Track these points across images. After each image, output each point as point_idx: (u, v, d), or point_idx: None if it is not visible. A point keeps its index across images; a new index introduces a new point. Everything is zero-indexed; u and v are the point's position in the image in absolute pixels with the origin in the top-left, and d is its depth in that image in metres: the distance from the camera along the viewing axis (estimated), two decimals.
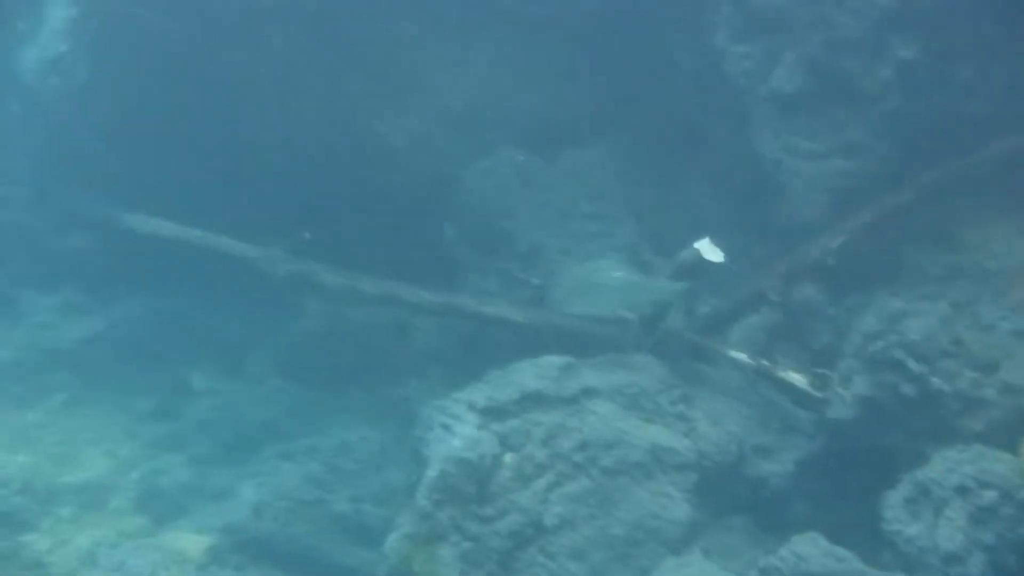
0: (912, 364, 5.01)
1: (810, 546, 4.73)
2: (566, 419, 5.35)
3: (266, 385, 7.34)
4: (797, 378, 5.54)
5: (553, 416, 5.36)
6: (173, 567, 5.62)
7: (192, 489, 6.63)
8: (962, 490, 4.61)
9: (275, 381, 7.35)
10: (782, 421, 5.59)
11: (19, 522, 6.27)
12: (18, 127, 7.57)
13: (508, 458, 5.22)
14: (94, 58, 7.12)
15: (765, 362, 5.65)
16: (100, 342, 7.48)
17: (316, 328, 7.47)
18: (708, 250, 5.47)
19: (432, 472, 5.17)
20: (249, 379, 7.44)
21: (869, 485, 5.03)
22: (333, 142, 7.33)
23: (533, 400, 5.42)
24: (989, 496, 4.57)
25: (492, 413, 5.37)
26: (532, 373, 5.55)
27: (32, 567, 5.92)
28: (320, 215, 6.95)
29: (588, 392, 5.48)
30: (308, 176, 7.27)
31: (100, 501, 6.56)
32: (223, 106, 7.30)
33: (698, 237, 5.65)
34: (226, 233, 7.02)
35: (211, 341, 7.55)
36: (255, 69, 7.31)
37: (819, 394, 5.43)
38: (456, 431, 5.31)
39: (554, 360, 5.63)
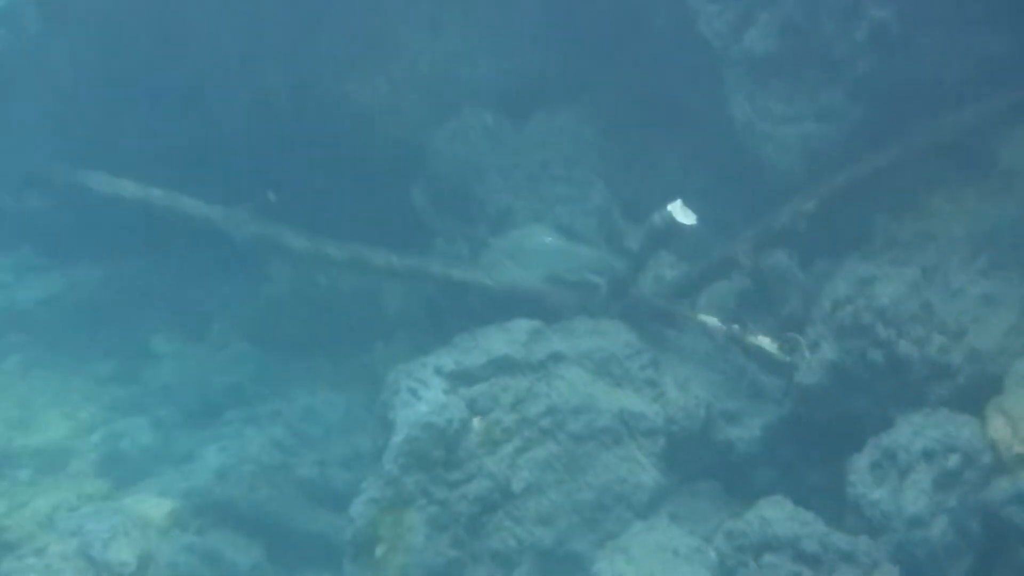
0: (880, 329, 5.01)
1: (776, 510, 4.77)
2: (534, 384, 5.32)
3: (230, 349, 7.24)
4: (766, 343, 5.53)
5: (521, 381, 5.33)
6: (134, 531, 5.54)
7: (154, 453, 6.55)
8: (927, 454, 4.65)
9: (239, 345, 7.25)
10: (750, 386, 5.59)
11: None
12: None
13: (476, 423, 5.18)
14: (45, 8, 6.86)
15: (735, 327, 5.64)
16: (58, 304, 7.33)
17: (282, 292, 7.37)
18: (681, 213, 5.41)
19: (399, 437, 5.13)
20: (212, 343, 7.34)
21: (835, 450, 5.05)
22: (300, 102, 7.17)
23: (501, 365, 5.37)
24: (954, 460, 4.61)
25: (460, 378, 5.32)
26: (500, 338, 5.50)
27: None
28: (286, 177, 6.82)
29: (556, 357, 5.44)
30: (274, 137, 7.11)
31: (59, 464, 6.46)
32: (185, 62, 7.11)
33: (670, 201, 5.59)
34: (189, 194, 6.87)
35: (173, 304, 7.43)
36: (220, 24, 7.11)
37: (787, 359, 5.43)
38: (423, 396, 5.25)
39: (522, 324, 5.59)
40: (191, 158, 7.04)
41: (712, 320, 5.75)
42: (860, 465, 4.77)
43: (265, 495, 6.07)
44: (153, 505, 5.97)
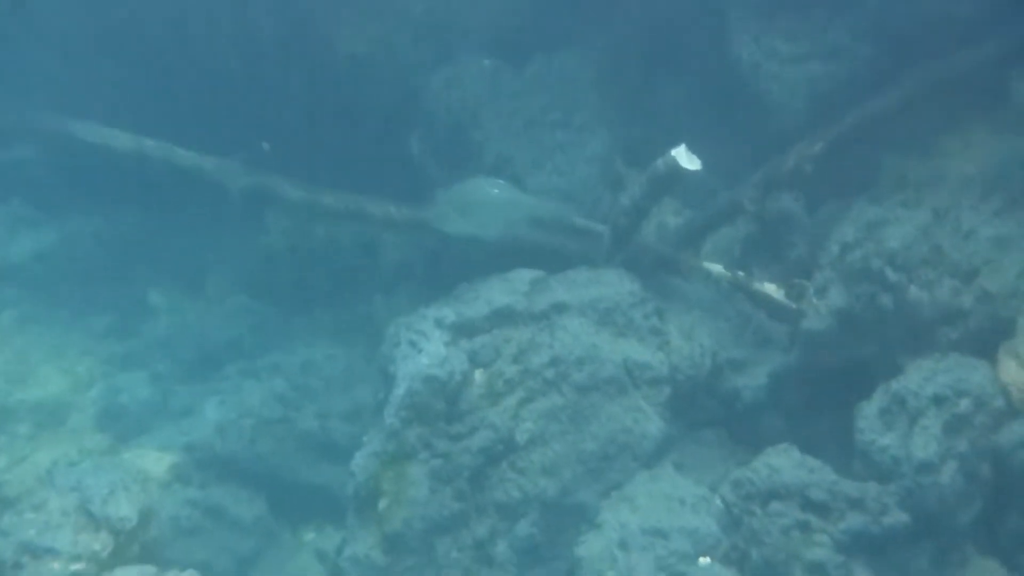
0: (890, 273, 4.91)
1: (783, 458, 4.71)
2: (537, 335, 5.23)
3: (227, 302, 7.18)
4: (772, 290, 5.44)
5: (523, 332, 5.24)
6: (134, 486, 5.50)
7: (153, 407, 6.53)
8: (938, 399, 4.56)
9: (237, 298, 7.18)
10: (756, 334, 5.51)
11: None
12: None
13: (478, 375, 5.11)
14: None
15: (741, 274, 5.53)
16: (52, 258, 7.25)
17: (278, 244, 7.27)
18: (685, 158, 5.27)
19: (399, 390, 5.06)
20: (210, 296, 7.28)
21: (843, 397, 4.98)
22: (290, 49, 7.00)
23: (503, 316, 5.28)
24: (964, 405, 4.54)
25: (461, 329, 5.24)
26: (501, 288, 5.40)
27: None
28: (279, 126, 6.68)
29: (559, 307, 5.35)
30: (265, 85, 6.95)
31: (58, 419, 6.45)
32: (172, 7, 6.92)
33: (673, 145, 5.45)
34: (180, 143, 6.74)
35: (169, 257, 7.35)
36: None
37: (794, 306, 5.33)
38: (424, 348, 5.18)
39: (524, 274, 5.48)
40: (181, 107, 6.89)
41: (717, 267, 5.65)
42: (869, 411, 4.69)
43: (266, 449, 6.04)
44: (153, 460, 5.96)
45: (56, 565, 4.96)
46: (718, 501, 4.84)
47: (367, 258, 7.08)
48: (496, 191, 5.46)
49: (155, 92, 6.91)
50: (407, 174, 6.83)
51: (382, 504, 4.99)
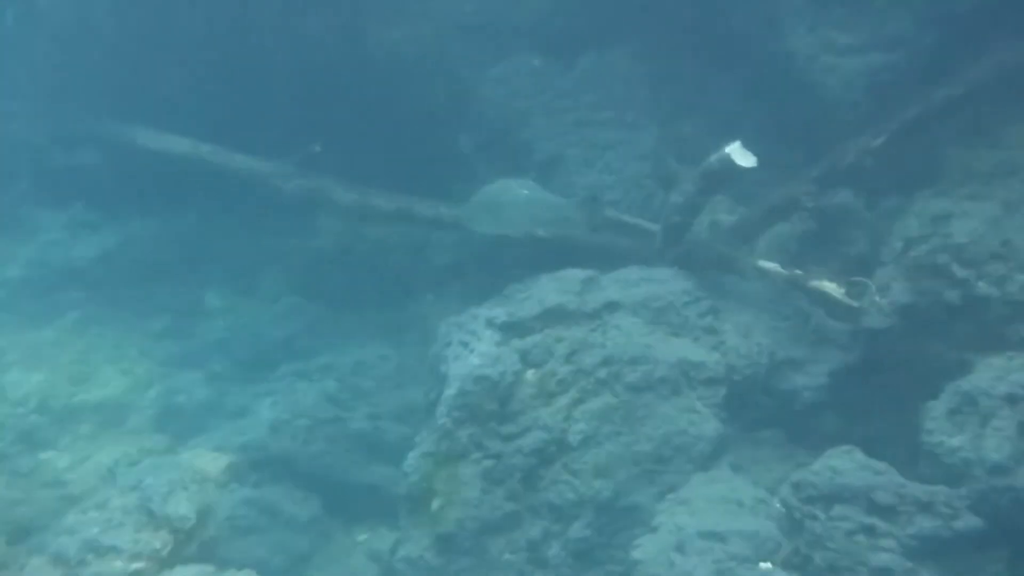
0: (957, 269, 4.74)
1: (846, 459, 4.56)
2: (589, 334, 5.16)
3: (281, 303, 7.23)
4: (831, 288, 5.29)
5: (575, 331, 5.18)
6: (192, 485, 5.57)
7: (210, 407, 6.60)
8: (1011, 399, 4.38)
9: (290, 299, 7.24)
10: (815, 333, 5.36)
11: (37, 440, 6.31)
12: (16, 39, 7.31)
13: (530, 375, 5.06)
14: None
15: (799, 272, 5.40)
16: (112, 260, 7.38)
17: (330, 245, 7.32)
18: (740, 155, 5.15)
19: (451, 390, 5.03)
20: (263, 297, 7.33)
21: (904, 397, 4.83)
22: (342, 51, 7.03)
23: (554, 315, 5.23)
24: None
25: (512, 329, 5.20)
26: (553, 287, 5.35)
27: (51, 484, 5.94)
28: (331, 129, 6.71)
29: (611, 306, 5.28)
30: (317, 88, 6.99)
31: (118, 419, 6.56)
32: (227, 14, 7.00)
33: (725, 142, 5.34)
34: (235, 148, 6.81)
35: (224, 259, 7.43)
36: None
37: (855, 304, 5.18)
38: (475, 348, 5.14)
39: (575, 273, 5.43)
40: (236, 112, 6.95)
41: (773, 265, 5.52)
42: (937, 411, 4.53)
43: (319, 449, 6.06)
44: (210, 459, 6.00)
45: (118, 563, 5.03)
46: (777, 504, 4.71)
47: (418, 258, 7.08)
48: (524, 192, 5.44)
49: (210, 98, 6.99)
50: (457, 174, 6.81)
51: (435, 504, 4.97)
